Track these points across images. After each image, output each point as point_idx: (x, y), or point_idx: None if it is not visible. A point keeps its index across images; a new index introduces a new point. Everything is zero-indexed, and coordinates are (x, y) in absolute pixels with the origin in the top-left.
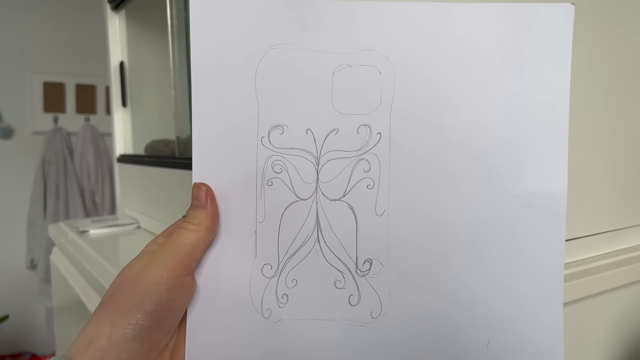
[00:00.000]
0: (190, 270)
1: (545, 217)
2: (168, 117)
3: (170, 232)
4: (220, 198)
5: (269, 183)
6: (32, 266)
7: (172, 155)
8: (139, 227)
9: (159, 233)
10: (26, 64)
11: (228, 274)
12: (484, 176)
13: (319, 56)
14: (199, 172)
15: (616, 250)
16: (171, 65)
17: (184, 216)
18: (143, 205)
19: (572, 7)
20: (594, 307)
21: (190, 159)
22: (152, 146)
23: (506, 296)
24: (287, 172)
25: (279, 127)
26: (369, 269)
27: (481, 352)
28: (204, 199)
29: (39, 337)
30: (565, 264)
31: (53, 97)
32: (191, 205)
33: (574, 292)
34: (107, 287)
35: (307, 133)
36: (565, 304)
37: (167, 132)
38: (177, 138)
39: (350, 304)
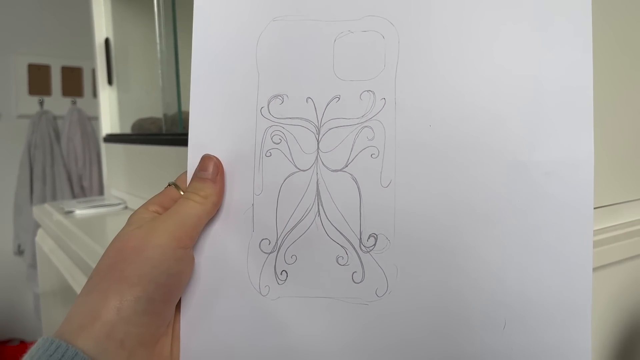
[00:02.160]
0: (193, 243)
1: (570, 186)
2: (155, 95)
3: (162, 200)
4: None
5: (268, 154)
6: (20, 252)
7: (159, 132)
8: (126, 207)
9: None
10: (10, 46)
11: (224, 249)
12: (499, 142)
13: (320, 25)
14: (195, 142)
15: (615, 225)
16: (157, 40)
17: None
18: (130, 185)
19: None
20: (594, 281)
21: (178, 135)
22: (138, 124)
23: (526, 274)
24: (287, 142)
25: (279, 97)
26: (374, 245)
27: (497, 333)
28: (213, 173)
29: (27, 323)
30: None
31: (38, 79)
32: (196, 177)
33: None
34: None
35: (307, 102)
36: None
37: (154, 110)
38: (164, 115)
39: (354, 282)
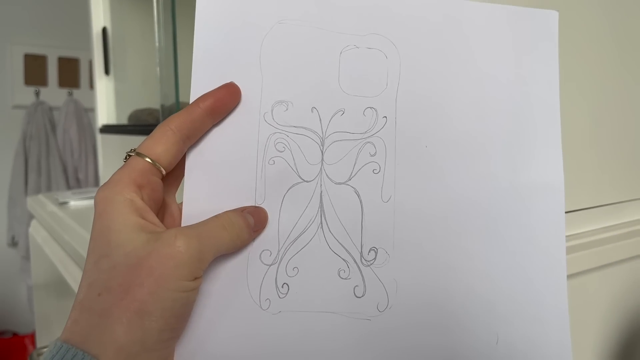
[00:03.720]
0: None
1: (547, 207)
2: (152, 86)
3: (136, 178)
4: (217, 175)
5: (271, 162)
6: (13, 243)
7: (157, 123)
8: None
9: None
10: (6, 35)
11: (223, 260)
12: (485, 165)
13: (326, 35)
14: (196, 145)
15: (619, 224)
16: (155, 29)
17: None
18: None
19: (557, 14)
20: (595, 281)
21: None
22: (135, 115)
23: (515, 286)
24: (291, 151)
25: (283, 103)
26: (374, 258)
27: (491, 347)
28: (257, 226)
29: (20, 315)
30: (567, 236)
31: (34, 69)
32: (244, 219)
33: (576, 265)
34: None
35: (312, 111)
36: (567, 277)
37: (152, 101)
38: (162, 106)
39: (356, 296)
